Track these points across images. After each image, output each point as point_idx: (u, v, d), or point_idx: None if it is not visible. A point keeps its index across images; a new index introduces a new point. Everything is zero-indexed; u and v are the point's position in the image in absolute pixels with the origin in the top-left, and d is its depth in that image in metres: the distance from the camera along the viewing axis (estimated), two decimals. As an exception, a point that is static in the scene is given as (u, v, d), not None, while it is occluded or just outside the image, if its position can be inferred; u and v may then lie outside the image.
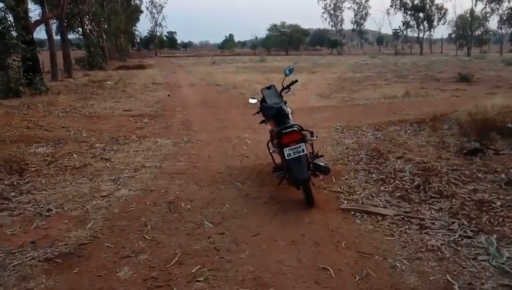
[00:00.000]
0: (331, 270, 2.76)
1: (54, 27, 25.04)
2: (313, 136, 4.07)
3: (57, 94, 13.50)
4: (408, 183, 4.40)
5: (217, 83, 17.97)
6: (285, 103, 4.62)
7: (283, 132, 3.78)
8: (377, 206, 3.87)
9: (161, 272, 2.77)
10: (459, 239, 3.16)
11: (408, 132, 7.27)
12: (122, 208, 3.91)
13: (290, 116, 4.30)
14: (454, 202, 3.85)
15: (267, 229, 3.43)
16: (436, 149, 5.92)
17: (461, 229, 3.31)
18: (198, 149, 6.28)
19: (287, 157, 3.70)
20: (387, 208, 3.82)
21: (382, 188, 4.31)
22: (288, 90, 4.76)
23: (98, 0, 32.66)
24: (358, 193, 4.20)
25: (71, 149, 6.12)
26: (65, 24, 23.01)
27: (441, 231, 3.32)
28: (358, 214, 3.71)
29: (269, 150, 4.34)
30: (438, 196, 4.02)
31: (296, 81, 4.81)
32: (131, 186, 4.55)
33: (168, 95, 13.72)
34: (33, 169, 5.15)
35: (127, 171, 5.11)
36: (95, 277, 2.73)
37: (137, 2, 56.89)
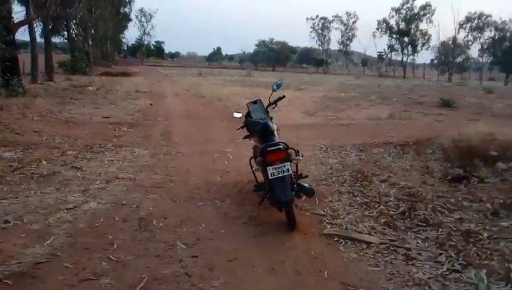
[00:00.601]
0: (312, 303, 2.53)
1: (39, 30, 24.57)
2: (298, 156, 3.87)
3: (35, 97, 12.99)
4: (393, 209, 4.24)
5: (202, 94, 17.74)
6: (271, 118, 4.42)
7: (268, 149, 3.57)
8: (362, 233, 3.67)
9: (124, 300, 2.48)
10: (447, 273, 2.98)
11: (392, 154, 7.20)
12: (88, 223, 3.59)
13: (275, 133, 4.11)
14: (441, 231, 3.70)
15: (245, 253, 3.18)
16: (421, 174, 5.82)
17: (449, 262, 3.14)
18: (177, 162, 6.01)
19: (270, 177, 3.48)
20: (372, 235, 3.62)
21: (366, 213, 4.13)
22: (275, 105, 4.57)
23: (86, 5, 32.17)
24: (342, 217, 4.01)
25: (41, 155, 5.75)
26: (50, 27, 22.52)
27: (428, 262, 3.14)
28: (341, 240, 3.50)
29: (251, 167, 4.14)
30: (424, 224, 3.86)
31: (284, 96, 4.63)
32: (101, 198, 4.23)
33: (151, 104, 13.39)
34: (-4, 175, 4.78)
35: (98, 182, 4.79)
36: (47, 303, 2.42)
37: (127, 10, 56.48)
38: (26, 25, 15.91)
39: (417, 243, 3.49)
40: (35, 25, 20.27)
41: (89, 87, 17.57)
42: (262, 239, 3.46)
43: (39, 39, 23.18)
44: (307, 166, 5.96)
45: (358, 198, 4.55)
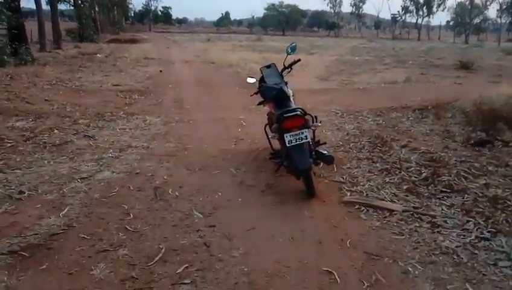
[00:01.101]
0: (335, 274, 2.44)
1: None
2: (316, 122, 3.69)
3: (44, 65, 12.85)
4: (415, 175, 4.08)
5: (212, 60, 17.39)
6: (286, 83, 4.22)
7: (284, 116, 3.39)
8: (383, 200, 3.54)
9: (142, 271, 2.42)
10: (476, 241, 2.85)
11: (410, 118, 6.96)
12: (103, 193, 3.52)
13: (291, 98, 3.92)
14: (466, 197, 3.54)
15: (264, 222, 3.09)
16: (442, 138, 5.61)
17: (477, 230, 3.01)
18: (190, 130, 5.88)
19: (287, 145, 3.33)
20: (395, 202, 3.49)
21: (387, 180, 3.98)
22: (290, 69, 4.35)
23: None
24: (361, 184, 3.87)
25: (52, 124, 5.68)
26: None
27: (454, 230, 3.01)
28: (363, 208, 3.38)
29: (267, 135, 3.98)
30: (448, 190, 3.70)
31: (299, 60, 4.39)
32: (115, 168, 4.15)
33: (160, 71, 13.16)
34: (9, 145, 4.72)
35: (111, 150, 4.71)
36: (65, 274, 2.37)
37: (132, -27, 55.00)
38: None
39: (442, 210, 3.35)
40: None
41: (98, 55, 17.33)
42: (280, 208, 3.35)
43: (45, 6, 22.79)
44: (323, 132, 5.80)
45: (378, 164, 4.39)
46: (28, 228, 2.88)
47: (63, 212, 3.13)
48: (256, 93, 4.23)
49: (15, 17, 12.38)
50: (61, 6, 34.82)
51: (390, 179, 3.99)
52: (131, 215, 3.14)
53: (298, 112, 3.42)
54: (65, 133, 5.33)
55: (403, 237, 2.92)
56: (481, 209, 3.30)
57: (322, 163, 3.66)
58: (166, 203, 3.38)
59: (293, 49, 4.41)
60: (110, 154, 4.56)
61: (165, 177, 3.93)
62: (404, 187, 3.80)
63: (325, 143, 4.05)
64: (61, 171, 4.02)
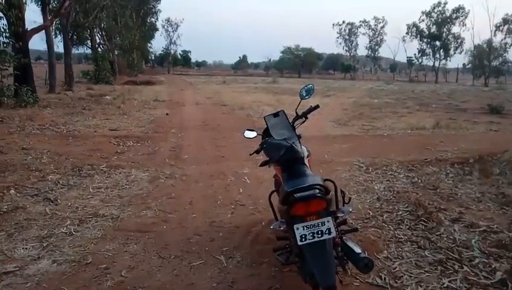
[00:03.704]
0: None
1: (59, 38, 24.27)
2: (345, 200, 2.49)
3: (45, 107, 12.22)
4: (484, 274, 2.81)
5: (224, 102, 16.60)
6: (299, 137, 3.07)
7: (296, 196, 2.22)
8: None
9: None
10: None
11: (451, 176, 5.74)
12: (23, 303, 2.37)
13: (306, 160, 2.77)
14: None
15: None
16: (499, 206, 4.35)
17: None
18: (179, 189, 4.75)
19: (299, 242, 2.14)
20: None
21: (446, 282, 2.72)
22: (304, 119, 3.24)
23: (110, 14, 31.93)
24: (410, 288, 2.62)
25: (13, 181, 4.65)
26: (70, 35, 22.10)
27: None
28: None
29: (272, 207, 2.80)
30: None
31: (317, 106, 3.26)
32: (61, 252, 3.01)
33: (167, 114, 12.32)
34: None
35: (68, 222, 3.59)
36: None
37: (153, 19, 56.58)
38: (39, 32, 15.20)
39: None
40: (53, 33, 19.87)
41: (107, 97, 16.77)
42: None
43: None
44: (346, 194, 4.60)
45: (427, 252, 3.14)
46: None
47: None
48: (257, 151, 3.08)
49: (17, 58, 11.87)
50: (83, 50, 35.50)
51: (449, 281, 2.73)
52: None
53: (317, 191, 2.23)
54: (22, 195, 4.27)
55: None
56: None
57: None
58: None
59: (308, 92, 3.31)
60: (64, 229, 3.43)
61: (123, 274, 2.73)
62: (474, 297, 2.54)
63: (350, 200, 2.81)
64: (-15, 257, 2.90)
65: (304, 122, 3.27)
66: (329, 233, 2.11)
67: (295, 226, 2.13)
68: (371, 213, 4.00)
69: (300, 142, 2.98)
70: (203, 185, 4.95)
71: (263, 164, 3.19)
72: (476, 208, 4.24)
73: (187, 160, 6.37)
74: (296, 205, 2.17)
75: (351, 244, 2.29)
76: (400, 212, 4.02)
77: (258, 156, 3.18)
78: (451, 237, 3.38)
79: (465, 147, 7.40)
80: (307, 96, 3.28)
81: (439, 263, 2.97)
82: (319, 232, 2.10)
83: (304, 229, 2.11)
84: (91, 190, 4.55)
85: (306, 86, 3.34)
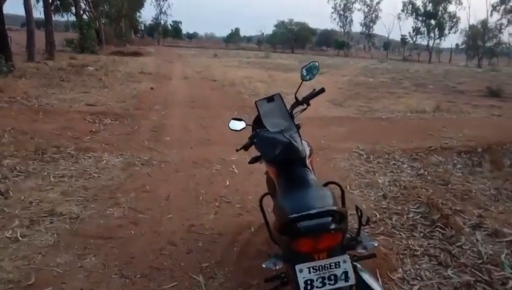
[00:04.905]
0: None
1: (41, 4, 22.80)
2: (365, 221, 1.78)
3: (20, 77, 11.28)
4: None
5: (214, 77, 15.74)
6: (299, 128, 2.41)
7: (301, 226, 1.53)
8: None
9: None
10: None
11: (459, 167, 5.28)
12: None
13: (307, 161, 2.15)
14: None
15: None
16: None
17: None
18: (156, 180, 4.12)
19: (302, 288, 1.52)
20: None
21: (478, 316, 2.19)
22: (306, 106, 2.59)
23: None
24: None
25: (-39, 167, 3.97)
26: (52, 0, 20.72)
27: None
28: None
29: (263, 212, 2.15)
30: None
31: (323, 90, 2.61)
32: (-2, 267, 2.40)
33: (152, 88, 11.50)
34: None
35: (16, 223, 2.95)
36: None
37: (141, -14, 54.10)
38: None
39: None
40: (32, -2, 18.52)
41: (89, 67, 15.76)
42: None
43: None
44: (347, 189, 4.05)
45: (449, 271, 2.59)
46: None
47: None
48: (245, 147, 2.45)
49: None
50: (65, 17, 33.79)
51: (482, 315, 2.20)
52: None
53: (329, 221, 1.55)
54: (-33, 185, 3.60)
55: None
56: None
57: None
58: None
59: (311, 71, 2.63)
60: (8, 233, 2.80)
61: (70, 301, 2.15)
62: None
63: (368, 222, 2.09)
64: None
65: (305, 109, 2.63)
66: (347, 279, 1.50)
67: (297, 267, 1.51)
68: (378, 215, 3.44)
69: (300, 135, 2.35)
70: (184, 175, 4.32)
71: (253, 160, 2.57)
72: (496, 209, 3.73)
73: (169, 143, 5.71)
74: (301, 239, 1.54)
75: (369, 281, 1.68)
76: (411, 215, 3.47)
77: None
78: (475, 250, 2.85)
79: (469, 133, 6.89)
80: (308, 76, 2.62)
81: (467, 287, 2.43)
82: (332, 278, 1.48)
83: (310, 273, 1.49)
84: (52, 179, 3.90)
85: (308, 64, 2.66)
